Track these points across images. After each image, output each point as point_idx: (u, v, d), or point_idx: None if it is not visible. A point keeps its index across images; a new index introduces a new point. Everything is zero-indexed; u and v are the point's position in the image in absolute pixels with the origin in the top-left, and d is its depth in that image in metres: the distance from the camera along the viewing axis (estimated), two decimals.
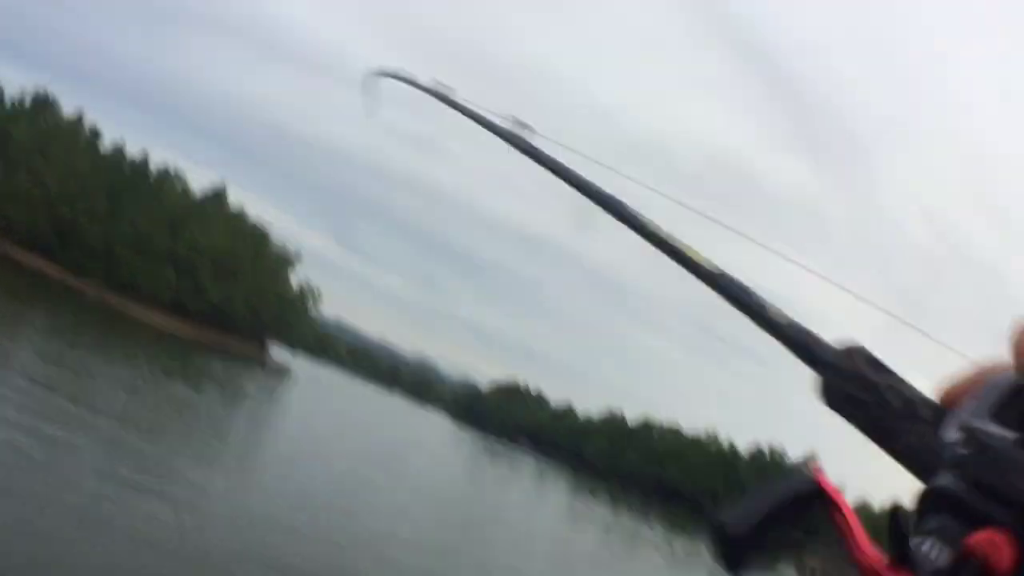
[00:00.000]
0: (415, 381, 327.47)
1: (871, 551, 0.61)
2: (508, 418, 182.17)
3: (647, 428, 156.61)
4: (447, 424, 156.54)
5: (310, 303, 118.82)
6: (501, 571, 23.72)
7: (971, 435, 0.62)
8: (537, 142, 1.35)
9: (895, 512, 0.62)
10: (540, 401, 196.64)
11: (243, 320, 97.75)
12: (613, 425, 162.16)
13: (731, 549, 0.53)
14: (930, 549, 0.61)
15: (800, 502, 0.61)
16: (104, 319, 61.50)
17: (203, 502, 18.32)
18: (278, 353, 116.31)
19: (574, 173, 1.31)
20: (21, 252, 79.15)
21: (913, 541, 0.62)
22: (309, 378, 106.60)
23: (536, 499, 56.95)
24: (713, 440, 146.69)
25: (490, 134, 1.60)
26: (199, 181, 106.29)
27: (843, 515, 0.59)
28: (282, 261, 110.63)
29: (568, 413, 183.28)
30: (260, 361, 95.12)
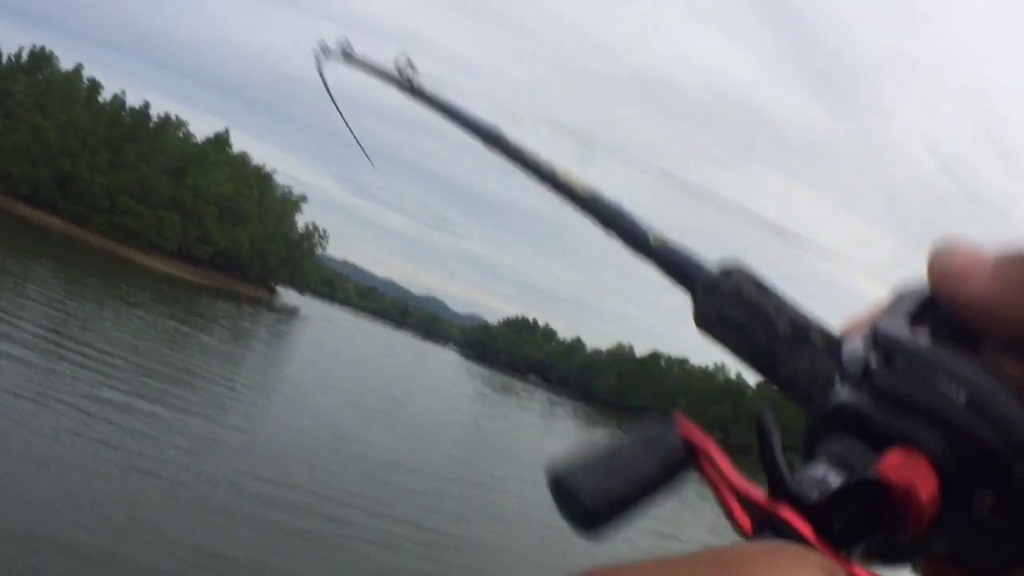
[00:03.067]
0: (424, 318, 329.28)
1: (748, 487, 0.48)
2: (517, 352, 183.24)
3: (655, 361, 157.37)
4: (456, 359, 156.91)
5: (316, 244, 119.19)
6: (508, 502, 24.05)
7: (879, 338, 0.53)
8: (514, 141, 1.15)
9: (761, 429, 0.51)
10: (549, 335, 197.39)
11: (250, 263, 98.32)
12: (622, 358, 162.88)
13: (588, 523, 0.47)
14: (822, 475, 0.50)
15: (669, 470, 0.50)
16: (111, 267, 61.75)
17: (218, 435, 18.74)
18: (286, 295, 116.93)
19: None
20: (24, 207, 79.65)
21: (798, 471, 0.50)
22: (318, 317, 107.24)
23: (545, 431, 57.28)
24: (720, 370, 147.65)
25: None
26: (201, 128, 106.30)
27: (715, 465, 0.49)
28: (287, 204, 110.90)
29: (577, 347, 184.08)
30: (268, 303, 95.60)
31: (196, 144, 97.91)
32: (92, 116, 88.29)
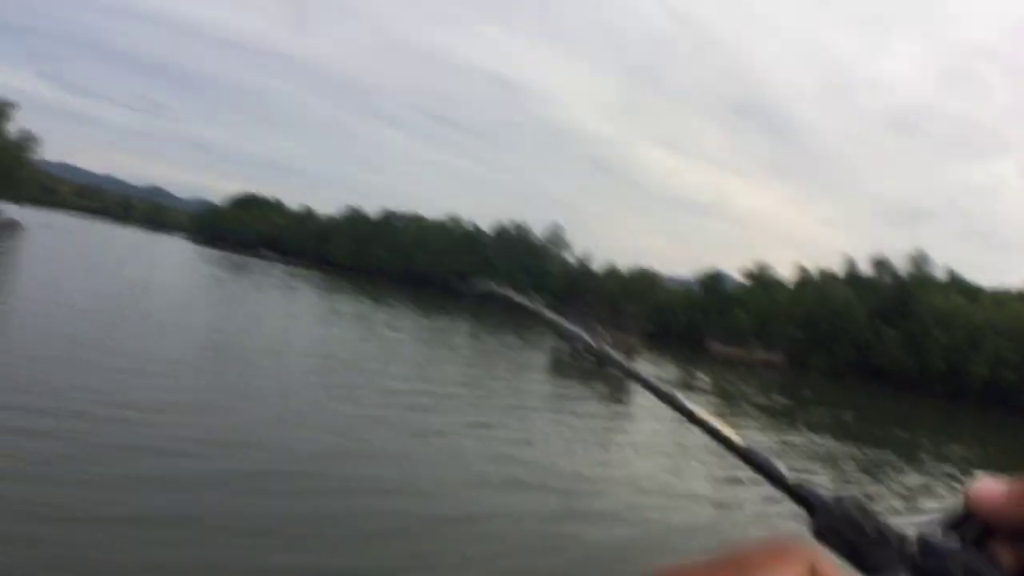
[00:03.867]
0: (148, 210, 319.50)
1: None
2: (248, 230, 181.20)
3: (388, 220, 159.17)
4: (187, 246, 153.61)
5: (29, 151, 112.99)
6: (266, 371, 25.26)
7: (923, 542, 0.74)
8: None
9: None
10: (278, 208, 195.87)
11: None
12: (355, 222, 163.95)
13: None
14: None
15: None
16: None
17: None
18: (3, 209, 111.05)
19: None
20: None
21: None
22: (39, 226, 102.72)
23: (289, 303, 58.37)
24: (456, 223, 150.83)
25: None
26: None
27: None
28: None
29: (308, 216, 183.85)
30: None
31: None
32: None
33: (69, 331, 24.76)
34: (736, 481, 18.16)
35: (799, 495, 0.92)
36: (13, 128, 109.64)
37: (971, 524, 0.75)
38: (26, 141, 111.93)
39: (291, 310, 53.07)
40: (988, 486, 0.73)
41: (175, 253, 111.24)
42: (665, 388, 1.25)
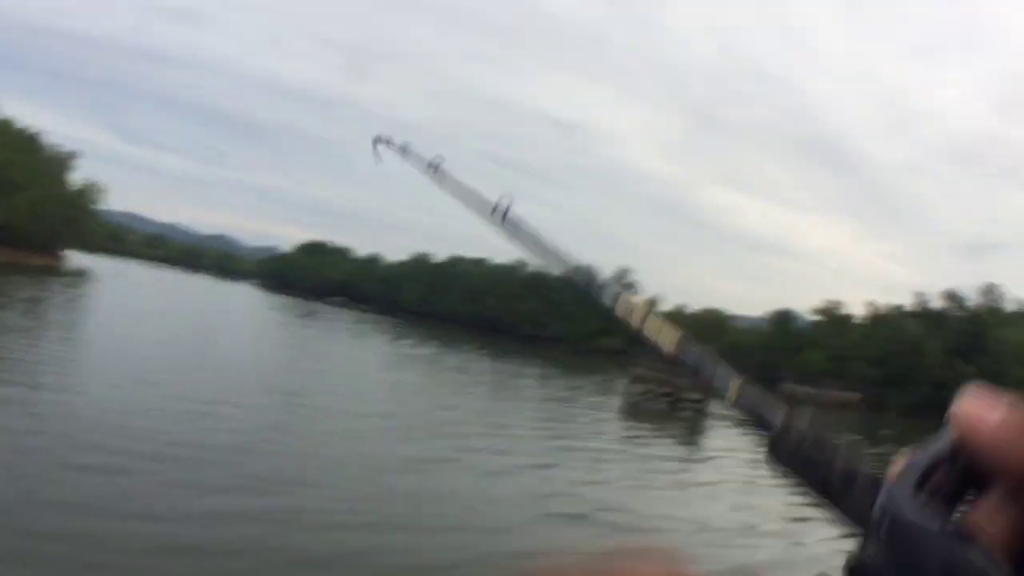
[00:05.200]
0: (216, 257, 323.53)
1: None
2: (316, 276, 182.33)
3: (456, 265, 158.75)
4: (257, 293, 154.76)
5: (95, 200, 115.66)
6: (340, 415, 25.54)
7: (890, 507, 0.60)
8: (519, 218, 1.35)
9: None
10: (345, 255, 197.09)
11: (31, 232, 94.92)
12: (422, 268, 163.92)
13: None
14: None
15: None
16: None
17: (35, 402, 18.95)
18: (74, 257, 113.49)
19: (555, 249, 1.27)
20: None
21: None
22: (110, 274, 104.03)
23: (358, 348, 58.69)
24: (523, 267, 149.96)
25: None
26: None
27: None
28: (59, 163, 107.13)
29: (375, 261, 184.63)
30: (56, 269, 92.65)
31: None
32: None
33: (145, 377, 25.09)
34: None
35: (747, 407, 0.87)
36: (79, 178, 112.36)
37: (957, 464, 0.61)
38: (92, 191, 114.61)
39: (360, 355, 53.32)
40: (981, 403, 0.58)
41: (245, 300, 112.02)
42: None
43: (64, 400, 19.57)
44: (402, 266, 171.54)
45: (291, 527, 12.68)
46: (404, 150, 2.46)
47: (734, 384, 0.91)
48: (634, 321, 1.15)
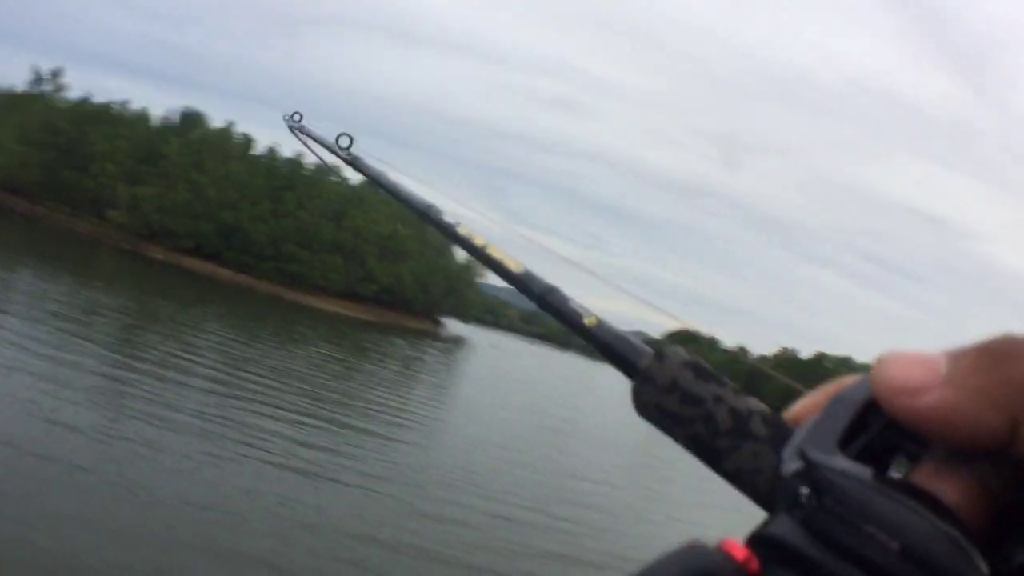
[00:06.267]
0: None
1: None
2: None
3: (820, 362, 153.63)
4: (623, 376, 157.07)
5: (477, 273, 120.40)
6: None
7: (812, 470, 0.49)
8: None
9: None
10: (713, 344, 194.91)
11: (414, 298, 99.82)
12: (787, 361, 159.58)
13: None
14: None
15: None
16: (279, 310, 63.28)
17: (394, 452, 19.76)
18: (451, 325, 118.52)
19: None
20: (191, 259, 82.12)
21: None
22: (484, 344, 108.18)
23: None
24: None
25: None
26: (354, 174, 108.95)
27: None
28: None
29: (742, 354, 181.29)
30: (435, 334, 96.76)
31: (351, 186, 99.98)
32: (248, 168, 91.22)
33: (504, 442, 25.27)
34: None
35: (607, 345, 0.77)
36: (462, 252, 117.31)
37: (880, 422, 0.52)
38: (474, 265, 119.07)
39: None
40: (909, 367, 0.48)
41: (611, 380, 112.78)
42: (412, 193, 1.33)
43: (421, 454, 20.52)
44: (767, 362, 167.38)
45: None
46: (302, 129, 1.97)
47: (588, 316, 0.83)
48: (477, 244, 1.10)
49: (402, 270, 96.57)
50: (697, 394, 0.62)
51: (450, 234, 1.15)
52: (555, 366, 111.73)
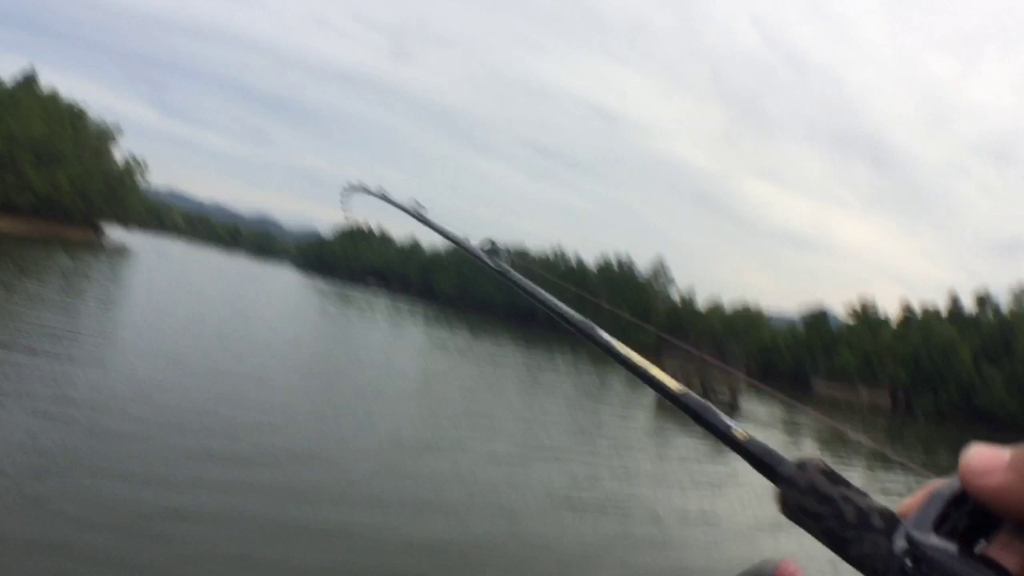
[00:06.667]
0: (256, 238, 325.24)
1: None
2: (355, 261, 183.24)
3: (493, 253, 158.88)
4: (294, 275, 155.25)
5: (137, 176, 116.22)
6: (374, 398, 25.68)
7: (913, 547, 0.64)
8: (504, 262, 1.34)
9: None
10: (385, 240, 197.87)
11: (73, 206, 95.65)
12: (459, 255, 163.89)
13: None
14: None
15: None
16: None
17: (66, 374, 19.08)
18: (115, 233, 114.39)
19: (544, 295, 1.35)
20: None
21: None
22: (149, 251, 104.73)
23: (396, 334, 59.17)
24: (560, 257, 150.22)
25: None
26: (6, 69, 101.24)
27: None
28: (103, 138, 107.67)
29: (415, 248, 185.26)
30: (97, 244, 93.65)
31: (5, 88, 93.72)
32: None
33: (178, 353, 25.35)
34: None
35: (754, 455, 0.87)
36: (121, 153, 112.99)
37: (967, 508, 0.66)
38: (133, 166, 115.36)
39: (392, 340, 54.00)
40: (984, 456, 0.63)
41: (282, 281, 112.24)
42: (580, 318, 1.35)
43: (95, 372, 19.81)
44: (440, 256, 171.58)
45: (301, 499, 13.01)
46: (384, 196, 2.42)
47: (739, 431, 0.92)
48: (637, 363, 1.14)
49: (59, 177, 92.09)
50: (829, 495, 0.75)
51: (612, 353, 1.22)
52: (226, 269, 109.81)
